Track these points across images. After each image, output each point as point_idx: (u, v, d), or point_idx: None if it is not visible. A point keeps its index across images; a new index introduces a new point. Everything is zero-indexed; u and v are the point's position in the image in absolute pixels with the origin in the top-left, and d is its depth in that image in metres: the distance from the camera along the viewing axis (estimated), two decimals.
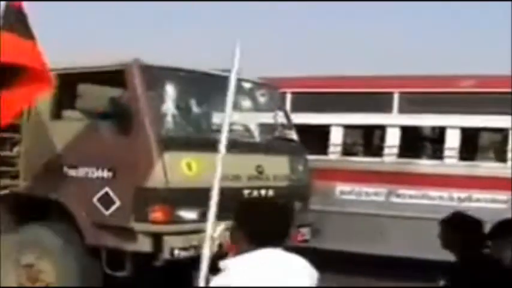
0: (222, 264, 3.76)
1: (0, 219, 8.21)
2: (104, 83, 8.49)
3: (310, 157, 9.65)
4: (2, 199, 8.17)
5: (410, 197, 10.21)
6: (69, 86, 8.23)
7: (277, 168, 8.53)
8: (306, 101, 11.16)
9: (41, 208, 7.99)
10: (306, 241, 8.89)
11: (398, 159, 10.38)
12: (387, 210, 10.31)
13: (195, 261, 6.25)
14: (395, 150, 10.41)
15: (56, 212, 7.83)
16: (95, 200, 7.46)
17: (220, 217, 7.55)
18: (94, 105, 7.81)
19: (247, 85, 8.99)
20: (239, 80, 8.78)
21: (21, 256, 7.95)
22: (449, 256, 9.53)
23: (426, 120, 10.31)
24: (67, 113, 8.26)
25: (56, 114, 8.17)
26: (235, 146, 7.99)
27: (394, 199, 10.33)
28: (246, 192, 8.02)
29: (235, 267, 3.69)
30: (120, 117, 7.52)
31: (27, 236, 7.97)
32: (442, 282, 10.19)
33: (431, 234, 9.59)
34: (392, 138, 10.47)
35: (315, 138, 10.92)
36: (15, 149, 8.48)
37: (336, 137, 10.90)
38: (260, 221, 3.82)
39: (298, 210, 8.81)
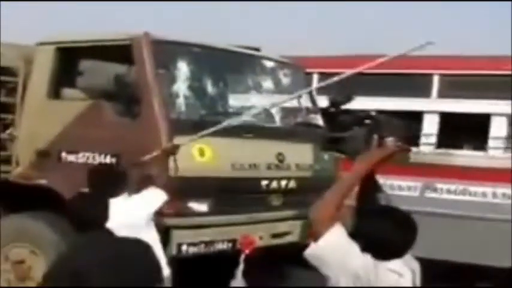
0: None
1: None
2: (109, 59, 8.53)
3: None
4: None
5: (449, 192, 9.94)
6: (69, 61, 8.25)
7: (300, 156, 8.41)
8: (335, 83, 10.94)
9: (34, 197, 7.86)
10: None
11: (436, 149, 10.12)
12: (422, 207, 10.01)
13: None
14: (434, 140, 10.15)
15: (51, 201, 7.64)
16: None
17: (237, 210, 7.60)
18: (98, 84, 7.80)
19: (269, 64, 8.89)
20: (260, 58, 8.77)
21: (10, 250, 7.86)
22: (491, 261, 9.48)
23: (469, 106, 10.07)
24: (66, 92, 8.18)
25: (54, 93, 8.09)
26: (253, 131, 7.94)
27: (431, 194, 10.08)
28: (264, 183, 7.91)
29: None
30: (126, 97, 7.43)
31: (19, 229, 7.87)
32: None
33: (472, 234, 9.57)
34: (431, 126, 10.20)
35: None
36: (8, 131, 8.47)
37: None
38: None
39: None
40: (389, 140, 3.44)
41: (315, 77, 10.91)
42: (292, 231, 8.26)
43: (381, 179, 10.22)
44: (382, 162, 3.91)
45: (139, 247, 4.28)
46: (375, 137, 4.69)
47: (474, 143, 10.13)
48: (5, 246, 7.88)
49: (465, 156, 10.04)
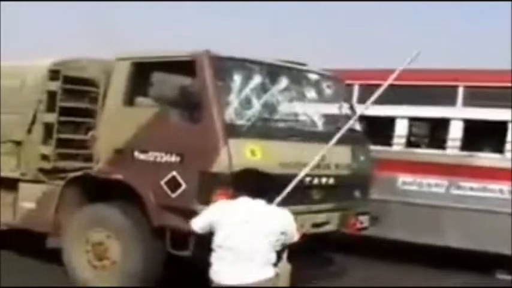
0: None
1: (73, 199, 8.35)
2: (175, 72, 8.53)
3: (376, 148, 9.63)
4: (76, 180, 8.32)
5: (471, 189, 9.97)
6: (142, 74, 8.29)
7: (339, 157, 8.41)
8: (373, 93, 10.98)
9: (111, 190, 8.06)
10: (364, 229, 8.87)
11: (460, 151, 10.16)
12: (447, 202, 10.12)
13: None
14: (458, 143, 10.19)
15: (125, 193, 7.86)
16: (162, 183, 7.48)
17: (283, 202, 7.65)
18: (166, 93, 7.81)
19: (313, 76, 8.92)
20: (305, 72, 8.85)
21: (91, 234, 8.07)
22: (508, 249, 9.47)
23: (489, 114, 10.04)
24: (139, 100, 8.34)
25: (129, 101, 8.23)
26: (298, 134, 8.04)
27: (455, 191, 10.10)
28: (307, 179, 7.86)
29: None
30: (189, 105, 7.54)
31: (98, 216, 8.09)
32: (499, 275, 10.11)
33: (491, 226, 9.59)
34: (456, 131, 10.25)
35: (381, 129, 10.82)
36: (90, 133, 8.65)
37: (401, 128, 10.73)
38: None
39: (357, 198, 8.78)
40: None
41: (356, 88, 11.01)
42: (330, 221, 8.33)
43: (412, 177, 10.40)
44: None
45: None
46: None
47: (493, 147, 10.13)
48: (86, 230, 8.10)
49: (485, 158, 10.05)
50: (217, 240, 5.55)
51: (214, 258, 5.56)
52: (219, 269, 5.50)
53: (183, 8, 22.33)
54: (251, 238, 5.46)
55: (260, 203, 5.71)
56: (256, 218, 5.56)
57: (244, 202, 5.72)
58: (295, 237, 5.86)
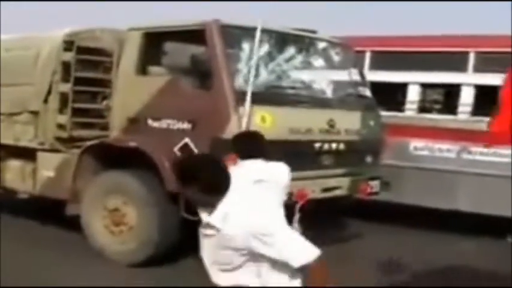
0: None
1: (90, 167, 8.54)
2: (186, 41, 8.72)
3: (388, 113, 9.78)
4: (92, 148, 8.48)
5: (482, 154, 10.08)
6: (154, 43, 8.49)
7: (349, 122, 8.58)
8: (385, 60, 11.11)
9: (127, 157, 8.23)
10: (375, 193, 9.04)
11: (471, 117, 10.27)
12: (458, 166, 10.24)
13: None
14: (469, 108, 10.29)
15: (140, 161, 8.03)
16: (175, 149, 7.67)
17: (293, 168, 7.83)
18: (177, 62, 8.00)
19: (321, 44, 9.05)
20: (314, 39, 8.99)
21: (108, 201, 8.26)
22: None
23: (499, 79, 10.12)
24: (151, 69, 8.48)
25: (142, 70, 8.39)
26: (308, 101, 8.21)
27: (466, 156, 10.21)
28: (317, 145, 8.13)
29: None
30: (200, 73, 7.70)
31: (115, 183, 8.27)
32: (510, 239, 10.20)
33: (501, 190, 9.70)
34: (467, 96, 10.35)
35: (393, 95, 10.96)
36: (105, 103, 8.85)
37: (413, 94, 10.85)
38: None
39: (368, 163, 8.94)
40: None
41: (367, 55, 11.14)
42: (341, 186, 8.49)
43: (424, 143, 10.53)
44: None
45: None
46: None
47: None
48: (103, 197, 8.30)
49: None
50: None
51: None
52: None
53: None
54: None
55: None
56: None
57: None
58: None
